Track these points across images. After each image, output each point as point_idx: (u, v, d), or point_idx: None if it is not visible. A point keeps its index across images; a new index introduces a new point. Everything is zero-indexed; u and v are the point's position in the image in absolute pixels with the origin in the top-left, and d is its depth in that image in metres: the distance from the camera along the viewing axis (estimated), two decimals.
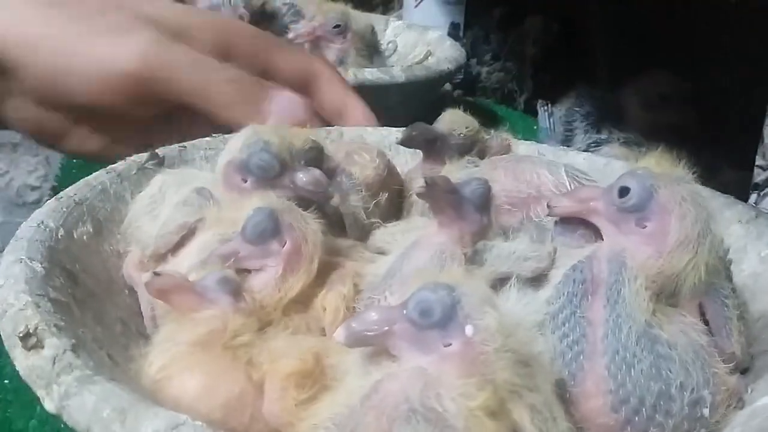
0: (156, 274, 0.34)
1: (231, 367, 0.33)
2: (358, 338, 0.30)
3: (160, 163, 0.48)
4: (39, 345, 0.30)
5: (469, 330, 0.29)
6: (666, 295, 0.34)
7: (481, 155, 0.50)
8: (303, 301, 0.38)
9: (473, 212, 0.38)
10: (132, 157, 0.48)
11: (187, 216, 0.40)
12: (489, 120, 0.54)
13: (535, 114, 0.97)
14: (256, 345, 0.34)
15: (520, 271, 0.37)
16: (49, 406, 0.29)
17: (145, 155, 0.48)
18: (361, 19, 0.92)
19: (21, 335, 0.31)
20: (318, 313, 0.38)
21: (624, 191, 0.35)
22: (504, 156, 0.51)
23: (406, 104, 0.62)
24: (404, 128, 0.50)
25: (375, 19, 1.01)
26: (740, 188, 0.62)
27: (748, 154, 0.67)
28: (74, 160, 0.82)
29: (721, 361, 0.34)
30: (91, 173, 0.46)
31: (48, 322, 0.32)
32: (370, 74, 0.75)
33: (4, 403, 0.47)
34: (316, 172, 0.42)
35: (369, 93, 0.64)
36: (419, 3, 1.08)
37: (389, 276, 0.38)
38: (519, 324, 0.31)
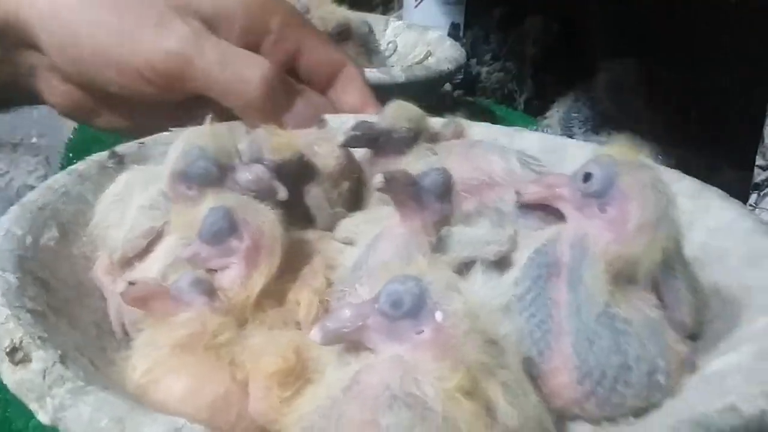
0: (131, 283, 0.34)
1: (215, 368, 0.33)
2: (335, 336, 0.31)
3: (121, 161, 0.48)
4: (26, 359, 0.30)
5: (438, 316, 0.30)
6: (624, 275, 0.36)
7: (432, 142, 0.50)
8: (276, 297, 0.38)
9: (434, 202, 0.39)
10: (92, 157, 0.48)
11: (154, 220, 0.40)
12: (489, 120, 0.55)
13: (534, 114, 0.97)
14: (237, 343, 0.34)
15: (483, 255, 0.38)
16: (44, 418, 0.29)
17: (105, 153, 0.48)
18: (358, 19, 0.92)
19: (8, 350, 0.31)
20: (292, 306, 0.38)
21: (587, 176, 0.37)
22: (458, 141, 0.52)
23: None
24: (355, 122, 0.50)
25: (375, 19, 1.00)
26: (740, 188, 0.62)
27: (748, 154, 0.68)
28: (74, 161, 0.81)
29: (673, 332, 0.36)
30: None
31: (32, 335, 0.32)
32: (370, 74, 0.73)
33: (3, 403, 0.47)
34: (257, 169, 0.42)
35: None
36: (419, 3, 1.07)
37: (357, 268, 0.39)
38: (484, 305, 0.32)
